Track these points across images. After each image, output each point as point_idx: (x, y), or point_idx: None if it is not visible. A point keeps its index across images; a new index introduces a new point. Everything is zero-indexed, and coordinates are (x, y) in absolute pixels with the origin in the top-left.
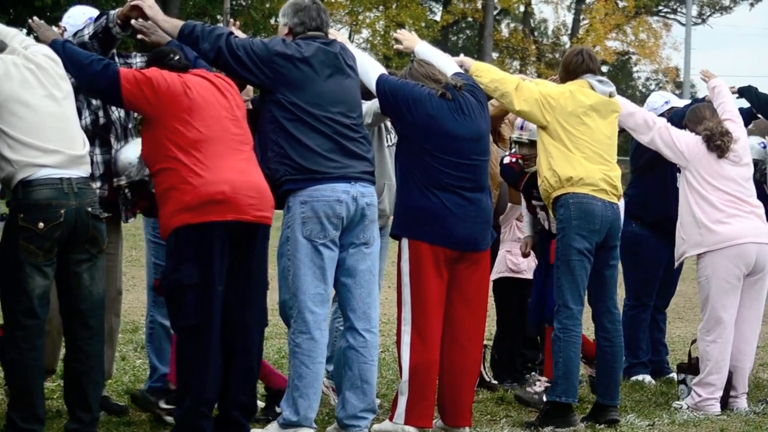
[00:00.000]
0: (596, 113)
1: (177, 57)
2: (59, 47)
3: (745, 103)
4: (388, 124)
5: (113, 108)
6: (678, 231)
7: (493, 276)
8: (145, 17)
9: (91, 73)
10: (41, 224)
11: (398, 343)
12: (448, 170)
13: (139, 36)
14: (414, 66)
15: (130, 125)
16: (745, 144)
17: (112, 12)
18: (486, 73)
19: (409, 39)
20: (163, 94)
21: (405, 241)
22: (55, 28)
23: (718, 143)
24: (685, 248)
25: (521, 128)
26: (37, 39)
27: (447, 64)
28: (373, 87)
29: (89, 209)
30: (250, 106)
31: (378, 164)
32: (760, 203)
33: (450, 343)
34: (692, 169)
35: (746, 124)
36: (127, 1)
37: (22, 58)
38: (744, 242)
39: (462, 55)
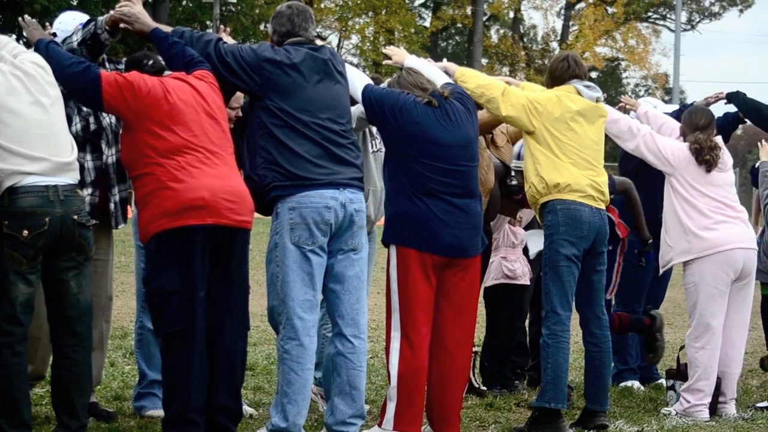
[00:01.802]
0: (583, 119)
1: (151, 62)
2: (43, 47)
3: (732, 108)
4: (374, 129)
5: (104, 114)
6: (663, 238)
7: (489, 282)
8: (133, 24)
9: (70, 74)
10: (25, 232)
11: (387, 349)
12: (435, 176)
13: (122, 25)
14: (402, 75)
15: (121, 131)
16: (726, 150)
17: (100, 18)
18: (472, 78)
19: (398, 54)
20: (143, 98)
21: (393, 248)
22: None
23: (707, 158)
24: (672, 255)
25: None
26: (27, 44)
27: (437, 75)
28: (359, 97)
29: (75, 217)
30: (240, 114)
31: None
32: (743, 208)
33: (438, 350)
34: (678, 175)
35: (733, 129)
36: (115, 7)
37: (9, 65)
38: (731, 248)
39: (445, 61)
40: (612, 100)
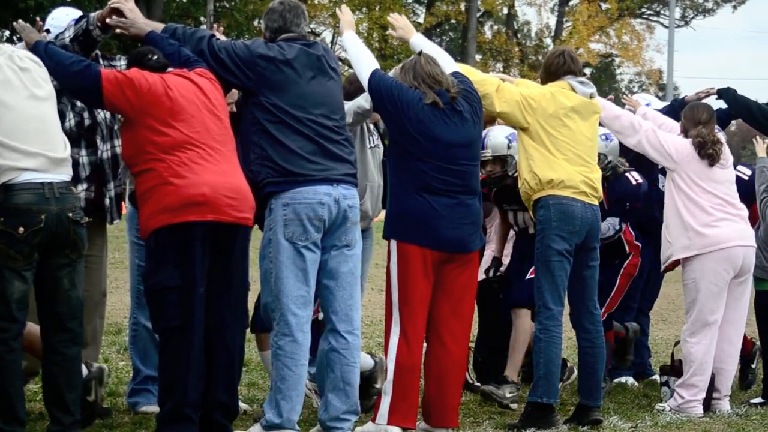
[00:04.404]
0: (577, 115)
1: (155, 57)
2: (41, 48)
3: (723, 105)
4: (370, 125)
5: (98, 109)
6: (663, 234)
7: (480, 276)
8: (128, 29)
9: (72, 73)
10: (21, 229)
11: (386, 344)
12: (437, 174)
13: (119, 30)
14: (420, 61)
15: (115, 126)
16: (727, 146)
17: (92, 14)
18: (466, 74)
19: (404, 28)
20: (144, 95)
21: (393, 243)
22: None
23: (710, 152)
24: (672, 251)
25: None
26: (20, 40)
27: (445, 62)
28: (364, 82)
29: (70, 214)
30: (234, 109)
31: (360, 165)
32: (743, 205)
33: (435, 344)
34: (681, 171)
35: (725, 125)
36: (108, 3)
37: (6, 58)
38: (732, 245)
39: None
40: (605, 97)
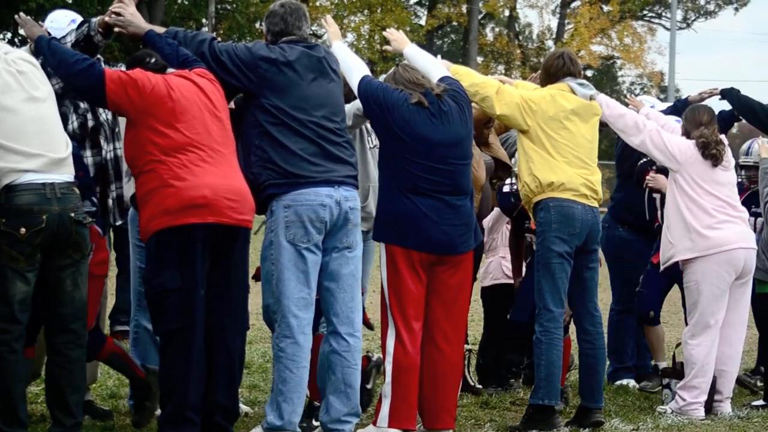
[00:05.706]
0: (578, 117)
1: (153, 60)
2: (45, 44)
3: (727, 105)
4: (369, 126)
5: (101, 110)
6: (664, 235)
7: (488, 282)
8: (127, 27)
9: (76, 72)
10: (22, 230)
11: (383, 346)
12: (424, 174)
13: (117, 29)
14: (398, 70)
15: (117, 128)
16: (729, 149)
17: (93, 20)
18: (466, 77)
19: (398, 40)
20: (147, 95)
21: (382, 245)
22: None
23: (713, 152)
24: (673, 252)
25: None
26: (22, 42)
27: (435, 68)
28: (355, 88)
29: (72, 215)
30: (233, 106)
31: (361, 166)
32: (744, 208)
33: (429, 346)
34: (684, 173)
35: (728, 127)
36: (109, 8)
37: (2, 62)
38: (735, 248)
39: (439, 57)
40: None
